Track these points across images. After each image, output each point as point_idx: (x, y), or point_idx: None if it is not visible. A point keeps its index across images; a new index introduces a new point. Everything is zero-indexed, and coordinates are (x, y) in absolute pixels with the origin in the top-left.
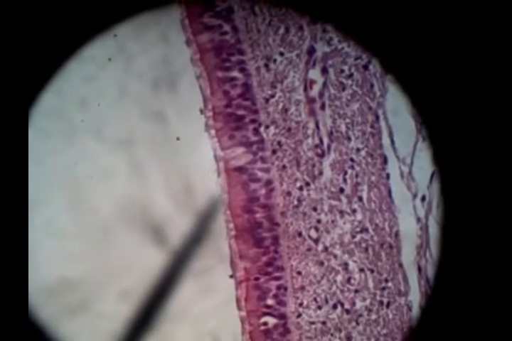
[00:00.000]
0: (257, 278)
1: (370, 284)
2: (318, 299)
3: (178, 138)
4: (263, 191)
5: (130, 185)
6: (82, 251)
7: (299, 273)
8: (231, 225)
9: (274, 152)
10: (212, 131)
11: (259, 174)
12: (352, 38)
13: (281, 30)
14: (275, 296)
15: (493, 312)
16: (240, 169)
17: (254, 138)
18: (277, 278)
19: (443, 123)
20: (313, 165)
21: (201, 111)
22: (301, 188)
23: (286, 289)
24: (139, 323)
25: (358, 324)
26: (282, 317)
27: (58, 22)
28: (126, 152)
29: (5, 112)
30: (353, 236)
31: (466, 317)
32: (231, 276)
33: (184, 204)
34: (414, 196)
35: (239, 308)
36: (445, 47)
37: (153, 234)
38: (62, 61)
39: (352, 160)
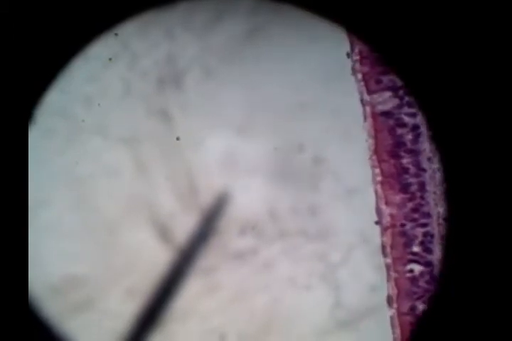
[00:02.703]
0: (402, 225)
1: None
2: None
3: (178, 138)
4: (410, 136)
5: (135, 183)
6: (87, 250)
7: (446, 220)
8: (377, 170)
9: None
10: (359, 75)
11: (406, 119)
12: (359, 36)
13: None
14: (421, 243)
15: (497, 309)
16: (386, 113)
17: (401, 83)
18: (424, 225)
19: (447, 123)
20: None
21: (348, 55)
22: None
23: (432, 236)
24: (144, 321)
25: None
26: (429, 264)
27: (63, 21)
28: (131, 150)
29: (9, 112)
30: None
31: (472, 315)
32: (376, 223)
33: (189, 202)
34: None
35: (384, 255)
36: (448, 47)
37: (159, 232)
38: (67, 60)
39: None
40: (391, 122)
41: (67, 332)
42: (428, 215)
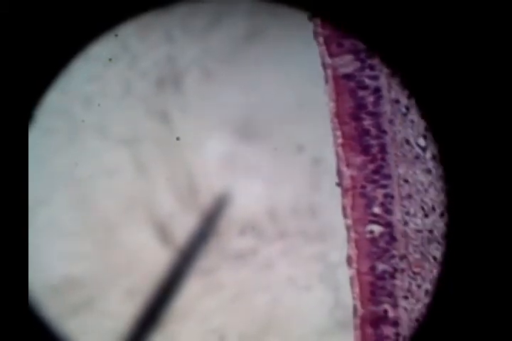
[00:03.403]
0: (363, 186)
1: None
2: (425, 207)
3: (178, 138)
4: (371, 98)
5: (135, 183)
6: (86, 250)
7: (406, 181)
8: (338, 133)
9: None
10: (321, 39)
11: (367, 81)
12: (360, 38)
13: None
14: (382, 204)
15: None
16: (348, 76)
17: (362, 46)
18: (384, 186)
19: (448, 125)
20: None
21: (310, 19)
22: (409, 96)
23: (393, 197)
24: (144, 321)
25: None
26: (389, 225)
27: (64, 21)
28: (131, 151)
29: (9, 112)
30: None
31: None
32: (338, 184)
33: (189, 202)
34: None
35: (345, 216)
36: (450, 47)
37: (159, 232)
38: (67, 60)
39: None
40: (352, 85)
41: (67, 332)
42: (388, 177)
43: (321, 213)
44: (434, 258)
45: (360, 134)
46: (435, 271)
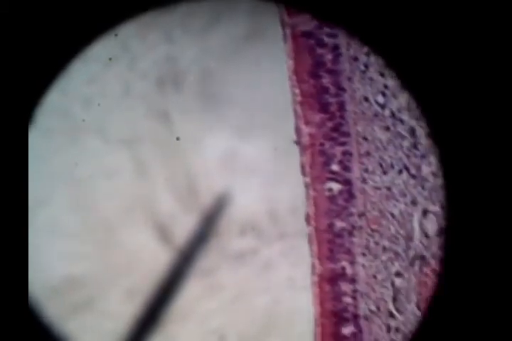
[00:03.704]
0: (322, 144)
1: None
2: (383, 164)
3: (178, 138)
4: (330, 56)
5: (134, 183)
6: (87, 250)
7: (365, 138)
8: (297, 91)
9: None
10: None
11: (326, 39)
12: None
13: None
14: (340, 162)
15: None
16: (307, 34)
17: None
18: (343, 144)
19: (448, 126)
20: None
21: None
22: (368, 54)
23: (351, 155)
24: (144, 322)
25: (423, 189)
26: (347, 182)
27: (64, 21)
28: (131, 151)
29: (9, 112)
30: None
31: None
32: (296, 142)
33: (189, 202)
34: None
35: (303, 174)
36: (449, 46)
37: (159, 233)
38: (67, 60)
39: None
40: (311, 42)
41: (66, 333)
42: (347, 134)
43: None
44: (392, 215)
45: (318, 92)
46: (392, 228)
